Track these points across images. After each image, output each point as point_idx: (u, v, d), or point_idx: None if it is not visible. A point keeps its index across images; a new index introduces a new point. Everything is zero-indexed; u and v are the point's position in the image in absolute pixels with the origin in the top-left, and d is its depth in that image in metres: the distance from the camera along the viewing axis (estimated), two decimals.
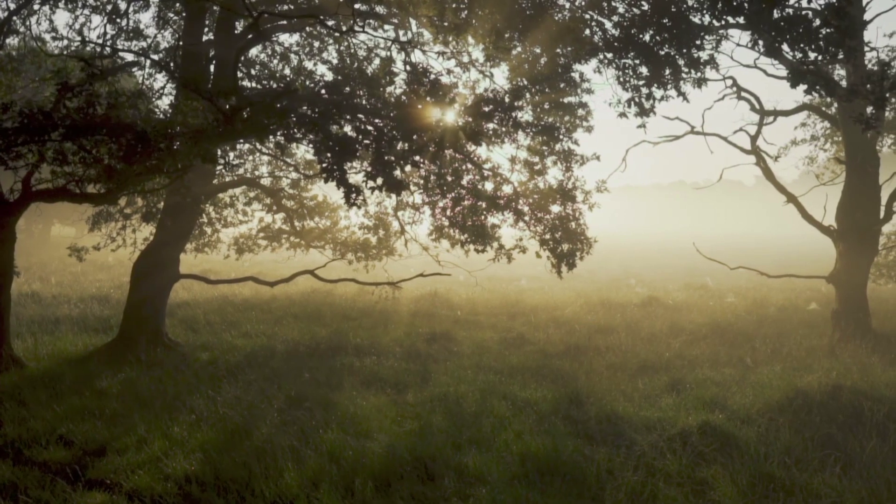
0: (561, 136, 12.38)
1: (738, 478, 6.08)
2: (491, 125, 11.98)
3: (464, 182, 13.04)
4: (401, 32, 15.14)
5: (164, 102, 15.76)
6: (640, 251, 46.65)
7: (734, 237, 73.18)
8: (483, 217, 13.09)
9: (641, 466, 6.55)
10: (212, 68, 12.80)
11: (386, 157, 6.80)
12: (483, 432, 7.47)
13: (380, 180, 6.66)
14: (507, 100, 11.57)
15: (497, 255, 13.37)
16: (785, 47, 6.72)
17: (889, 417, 6.86)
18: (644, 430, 7.45)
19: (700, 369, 10.12)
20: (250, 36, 11.84)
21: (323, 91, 11.16)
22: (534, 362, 11.38)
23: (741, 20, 6.85)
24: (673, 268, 30.17)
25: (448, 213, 13.69)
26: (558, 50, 9.12)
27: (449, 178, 13.30)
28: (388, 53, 15.15)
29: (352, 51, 16.36)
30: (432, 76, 12.68)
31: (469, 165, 12.25)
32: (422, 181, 14.59)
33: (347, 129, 7.23)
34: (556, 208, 12.27)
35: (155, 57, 15.21)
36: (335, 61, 16.38)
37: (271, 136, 7.57)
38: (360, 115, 7.32)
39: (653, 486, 6.12)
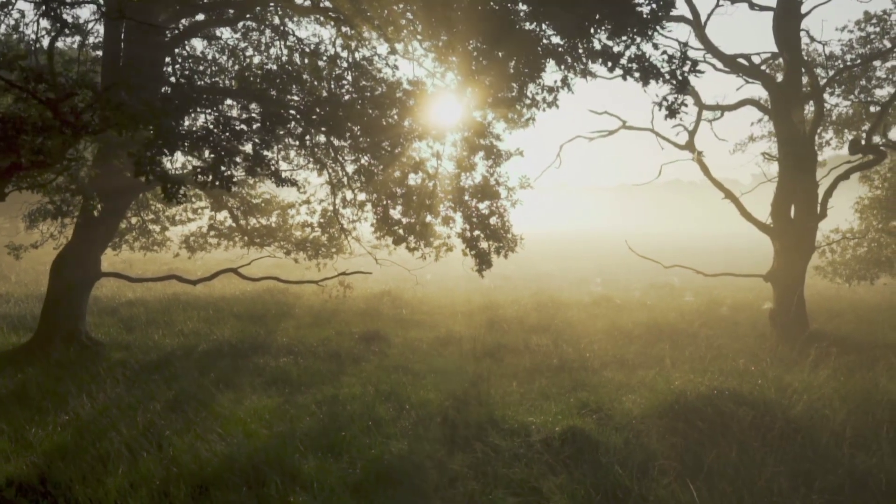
0: (487, 132, 12.15)
1: (577, 488, 5.81)
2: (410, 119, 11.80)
3: (394, 175, 12.88)
4: (345, 30, 14.96)
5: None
6: (623, 250, 46.02)
7: (723, 237, 71.05)
8: (417, 214, 12.91)
9: (489, 474, 6.29)
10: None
11: (220, 152, 6.59)
12: (346, 436, 7.24)
13: (211, 175, 6.47)
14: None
15: (424, 253, 13.19)
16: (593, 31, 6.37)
17: (753, 424, 6.52)
18: (512, 435, 7.18)
19: (609, 371, 9.81)
20: (168, 35, 11.69)
21: (262, 84, 11.01)
22: (454, 363, 11.13)
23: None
24: (648, 267, 29.58)
25: (379, 209, 13.54)
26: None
27: (376, 172, 13.12)
28: (335, 50, 14.99)
29: (298, 48, 16.18)
30: (353, 72, 12.51)
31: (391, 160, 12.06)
32: (362, 178, 14.42)
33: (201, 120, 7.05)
34: (481, 206, 12.02)
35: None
36: (284, 57, 16.24)
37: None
38: (221, 106, 7.12)
39: (491, 495, 5.86)
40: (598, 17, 5.89)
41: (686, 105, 6.52)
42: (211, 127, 6.92)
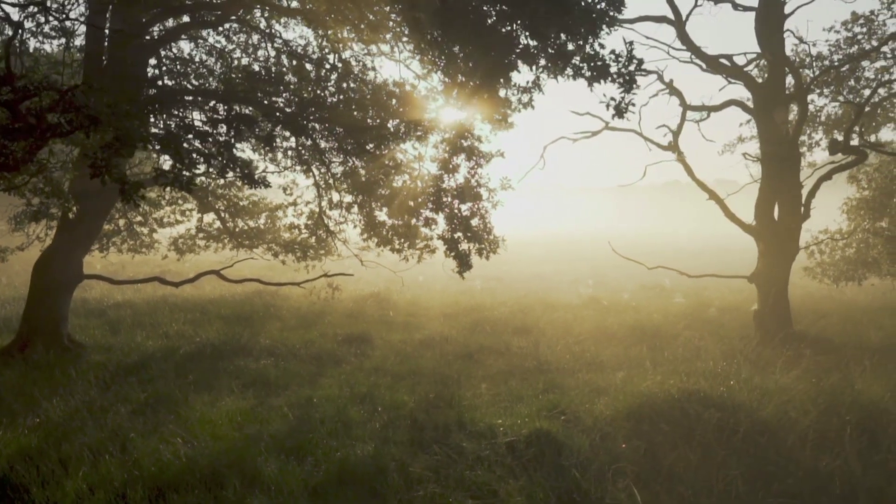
0: (468, 134, 12.13)
1: (536, 491, 5.77)
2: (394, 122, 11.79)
3: (379, 177, 12.88)
4: (330, 32, 14.96)
5: None
6: (620, 251, 45.88)
7: (722, 237, 70.41)
8: (401, 216, 12.93)
9: (451, 476, 6.25)
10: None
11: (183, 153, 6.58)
12: (313, 438, 7.21)
13: (171, 177, 6.45)
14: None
15: (407, 255, 13.18)
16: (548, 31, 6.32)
17: (719, 426, 6.47)
18: (478, 438, 7.14)
19: (585, 373, 9.75)
20: (146, 37, 11.70)
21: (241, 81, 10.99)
22: (432, 365, 11.09)
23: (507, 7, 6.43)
24: (641, 268, 29.51)
25: (364, 211, 13.54)
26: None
27: (362, 174, 13.12)
28: (320, 53, 14.99)
29: (285, 50, 16.17)
30: (336, 73, 12.49)
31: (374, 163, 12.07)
32: (348, 179, 14.41)
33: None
34: (463, 207, 12.00)
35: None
36: (272, 59, 16.25)
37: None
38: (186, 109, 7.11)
39: (450, 498, 5.83)
40: (542, 13, 5.84)
41: (633, 105, 6.47)
42: (173, 129, 6.89)
